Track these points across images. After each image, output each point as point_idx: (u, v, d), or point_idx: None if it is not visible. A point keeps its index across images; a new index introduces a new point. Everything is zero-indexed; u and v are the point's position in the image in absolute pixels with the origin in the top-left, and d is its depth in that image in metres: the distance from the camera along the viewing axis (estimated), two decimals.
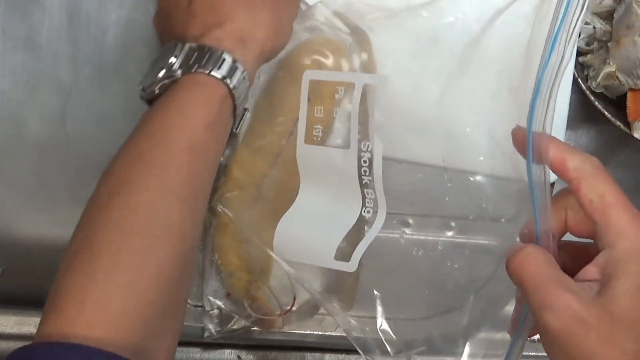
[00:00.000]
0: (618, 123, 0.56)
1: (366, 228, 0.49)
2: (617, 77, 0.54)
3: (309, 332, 0.54)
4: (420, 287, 0.52)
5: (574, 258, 0.35)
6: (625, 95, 0.55)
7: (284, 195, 0.51)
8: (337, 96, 0.50)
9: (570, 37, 0.35)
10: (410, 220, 0.55)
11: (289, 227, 0.50)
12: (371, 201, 0.49)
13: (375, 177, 0.48)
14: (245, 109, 0.51)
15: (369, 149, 0.48)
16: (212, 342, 0.56)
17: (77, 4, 0.61)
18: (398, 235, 0.54)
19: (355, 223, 0.49)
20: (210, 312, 0.55)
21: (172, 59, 0.43)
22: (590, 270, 0.32)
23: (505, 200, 0.52)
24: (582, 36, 0.55)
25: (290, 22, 0.50)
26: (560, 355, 0.32)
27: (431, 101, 0.50)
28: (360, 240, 0.49)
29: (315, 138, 0.50)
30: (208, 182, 0.43)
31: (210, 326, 0.55)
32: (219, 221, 0.53)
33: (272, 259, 0.50)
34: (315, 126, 0.50)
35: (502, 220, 0.52)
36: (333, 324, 0.55)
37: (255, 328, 0.55)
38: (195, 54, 0.43)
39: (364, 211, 0.49)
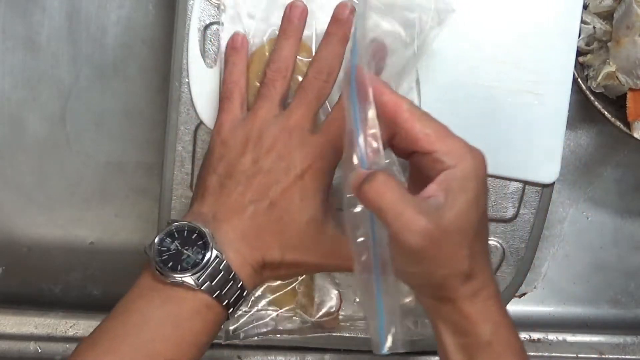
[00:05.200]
0: (618, 123, 0.56)
1: None
2: (617, 77, 0.54)
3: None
4: None
5: None
6: (625, 95, 0.55)
7: None
8: None
9: None
10: None
11: None
12: None
13: None
14: None
15: None
16: (213, 343, 0.56)
17: (77, 4, 0.61)
18: None
19: None
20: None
21: None
22: (433, 188, 0.37)
23: (505, 200, 0.52)
24: (582, 36, 0.55)
25: None
26: (420, 267, 0.37)
27: None
28: None
29: None
30: None
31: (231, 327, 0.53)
32: None
33: None
34: None
35: (502, 220, 0.52)
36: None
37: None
38: None
39: None
